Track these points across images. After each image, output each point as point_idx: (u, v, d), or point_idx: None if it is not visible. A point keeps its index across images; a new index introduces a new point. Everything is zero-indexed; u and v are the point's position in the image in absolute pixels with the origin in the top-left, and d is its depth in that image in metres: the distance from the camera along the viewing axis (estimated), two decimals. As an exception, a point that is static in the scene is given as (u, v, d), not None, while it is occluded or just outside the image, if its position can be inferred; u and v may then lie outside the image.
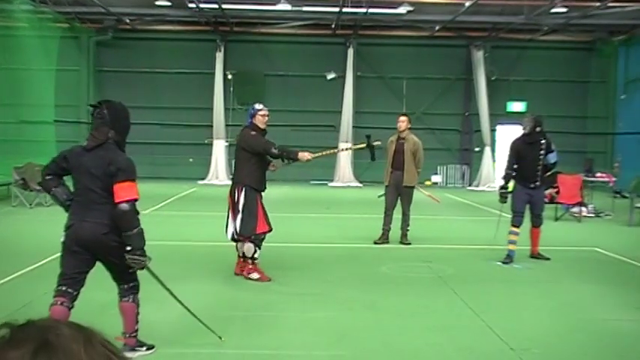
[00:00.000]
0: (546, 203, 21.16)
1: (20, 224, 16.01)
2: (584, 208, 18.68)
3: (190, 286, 9.83)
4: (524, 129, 11.92)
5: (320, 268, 11.28)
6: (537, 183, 11.74)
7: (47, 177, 6.64)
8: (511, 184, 11.96)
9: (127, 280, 6.67)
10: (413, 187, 13.76)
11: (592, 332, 7.84)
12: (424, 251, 12.87)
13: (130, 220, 6.35)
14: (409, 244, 13.53)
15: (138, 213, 6.46)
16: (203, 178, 29.27)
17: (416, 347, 7.16)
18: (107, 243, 6.40)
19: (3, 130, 21.51)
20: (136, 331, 6.68)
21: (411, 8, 25.60)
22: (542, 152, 11.62)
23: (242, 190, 10.21)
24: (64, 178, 6.74)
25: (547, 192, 22.03)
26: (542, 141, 11.70)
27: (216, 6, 25.21)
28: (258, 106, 10.91)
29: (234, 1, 25.47)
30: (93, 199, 6.37)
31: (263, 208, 10.30)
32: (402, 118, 13.96)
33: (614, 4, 23.97)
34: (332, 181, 30.12)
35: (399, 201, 13.72)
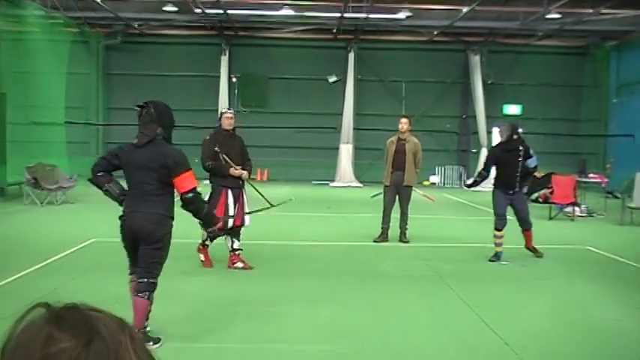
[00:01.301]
0: (540, 203, 21.33)
1: (31, 222, 16.01)
2: (577, 208, 18.68)
3: (198, 281, 9.86)
4: (501, 137, 11.85)
5: (321, 266, 11.27)
6: (516, 189, 11.63)
7: (98, 174, 6.85)
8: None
9: (150, 274, 6.70)
10: (411, 187, 13.77)
11: (584, 329, 7.82)
12: (423, 250, 12.86)
13: (199, 204, 7.01)
14: (408, 242, 13.52)
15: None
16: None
17: (415, 345, 7.14)
18: (154, 232, 6.60)
19: (15, 132, 21.51)
20: (145, 327, 6.69)
21: (410, 14, 25.66)
22: (520, 159, 11.50)
23: (210, 185, 10.79)
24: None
25: (541, 192, 22.16)
26: (520, 147, 11.58)
27: (221, 11, 25.25)
28: (223, 109, 11.46)
29: (239, 6, 25.48)
30: (147, 191, 6.65)
31: (227, 202, 10.56)
32: (404, 120, 13.97)
33: (606, 11, 24.13)
34: (333, 181, 30.13)
35: (396, 200, 13.73)
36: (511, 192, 11.57)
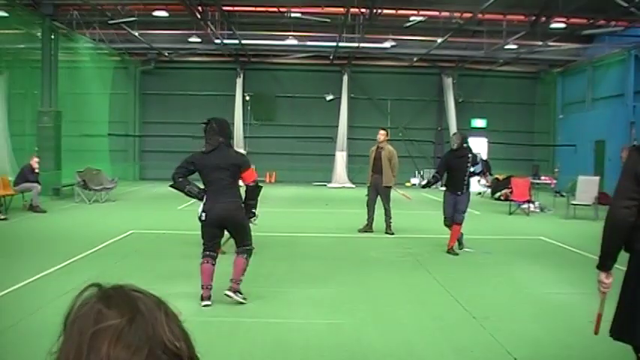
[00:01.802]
0: (502, 201, 21.37)
1: (81, 217, 16.03)
2: (531, 205, 18.70)
3: (217, 264, 9.87)
4: (452, 145, 11.39)
5: (320, 253, 11.28)
6: (463, 190, 11.23)
7: (179, 179, 7.32)
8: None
9: (245, 243, 7.45)
10: (390, 187, 13.77)
11: (537, 303, 7.87)
12: (405, 240, 12.88)
13: (257, 192, 7.76)
14: (393, 234, 13.52)
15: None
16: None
17: (398, 316, 7.18)
18: (235, 216, 7.31)
19: (69, 142, 21.61)
20: (241, 280, 7.42)
21: (394, 43, 25.71)
22: (468, 164, 11.16)
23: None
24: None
25: (503, 192, 22.20)
26: (469, 155, 11.23)
27: (236, 41, 25.28)
28: None
29: (252, 37, 25.49)
30: (223, 186, 7.21)
31: None
32: (382, 132, 14.00)
33: (553, 44, 24.36)
34: (330, 182, 30.10)
35: (378, 198, 13.76)
36: (459, 193, 11.22)
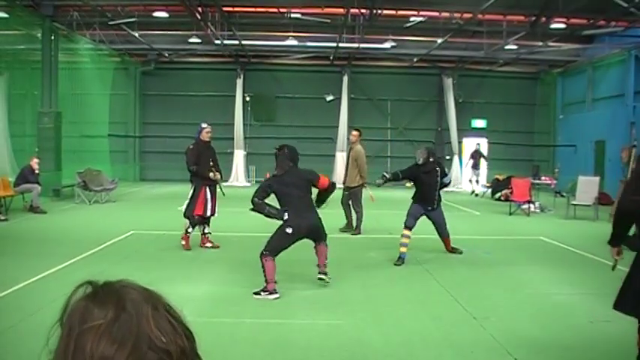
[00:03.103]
0: (502, 201, 21.38)
1: (82, 217, 16.05)
2: (532, 205, 18.70)
3: (218, 267, 9.89)
4: (418, 161, 10.94)
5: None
6: (435, 205, 10.86)
7: (260, 201, 8.20)
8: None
9: (324, 238, 8.63)
10: (356, 187, 13.69)
11: (537, 303, 7.89)
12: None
13: (333, 189, 8.84)
14: (359, 234, 13.47)
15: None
16: (226, 181, 29.20)
17: (398, 316, 7.19)
18: (319, 225, 8.44)
19: (69, 143, 21.63)
20: (326, 265, 8.59)
21: (394, 44, 25.68)
22: (438, 178, 10.87)
23: (192, 183, 11.29)
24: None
25: (503, 192, 22.22)
26: (437, 168, 10.95)
27: (236, 42, 25.26)
28: (203, 125, 11.63)
29: (252, 37, 25.50)
30: (304, 202, 8.31)
31: (205, 197, 11.16)
32: (354, 132, 14.05)
33: (553, 44, 24.33)
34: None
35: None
36: (430, 208, 10.83)
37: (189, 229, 11.18)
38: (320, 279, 8.52)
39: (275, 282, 7.99)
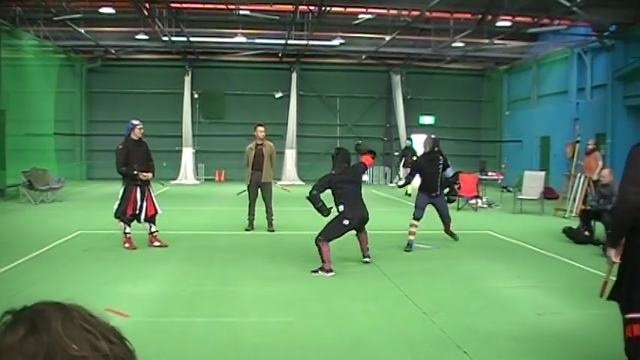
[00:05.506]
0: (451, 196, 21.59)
1: (28, 218, 15.66)
2: (479, 200, 18.98)
3: (167, 265, 9.76)
4: (424, 148, 11.91)
5: (268, 251, 11.23)
6: (438, 192, 11.60)
7: (318, 195, 9.55)
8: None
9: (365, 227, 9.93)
10: (270, 183, 13.79)
11: (485, 297, 8.00)
12: (354, 237, 12.89)
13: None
14: (273, 231, 13.45)
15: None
16: (174, 179, 28.89)
17: (349, 311, 7.21)
18: (367, 217, 9.86)
19: (14, 142, 21.08)
20: (368, 249, 10.05)
21: (343, 41, 25.70)
22: (440, 167, 11.46)
23: (122, 182, 11.09)
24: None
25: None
26: (440, 158, 11.55)
27: (184, 39, 25.02)
28: (135, 121, 11.47)
29: (200, 34, 25.26)
30: (357, 195, 9.75)
31: (136, 197, 10.93)
32: (261, 128, 14.00)
33: (499, 42, 24.75)
34: (280, 180, 29.98)
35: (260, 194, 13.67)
36: (434, 194, 11.53)
37: (127, 230, 10.96)
38: (365, 262, 9.95)
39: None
